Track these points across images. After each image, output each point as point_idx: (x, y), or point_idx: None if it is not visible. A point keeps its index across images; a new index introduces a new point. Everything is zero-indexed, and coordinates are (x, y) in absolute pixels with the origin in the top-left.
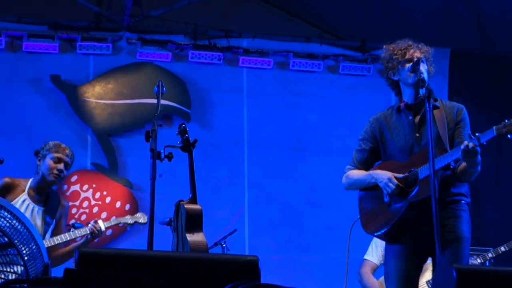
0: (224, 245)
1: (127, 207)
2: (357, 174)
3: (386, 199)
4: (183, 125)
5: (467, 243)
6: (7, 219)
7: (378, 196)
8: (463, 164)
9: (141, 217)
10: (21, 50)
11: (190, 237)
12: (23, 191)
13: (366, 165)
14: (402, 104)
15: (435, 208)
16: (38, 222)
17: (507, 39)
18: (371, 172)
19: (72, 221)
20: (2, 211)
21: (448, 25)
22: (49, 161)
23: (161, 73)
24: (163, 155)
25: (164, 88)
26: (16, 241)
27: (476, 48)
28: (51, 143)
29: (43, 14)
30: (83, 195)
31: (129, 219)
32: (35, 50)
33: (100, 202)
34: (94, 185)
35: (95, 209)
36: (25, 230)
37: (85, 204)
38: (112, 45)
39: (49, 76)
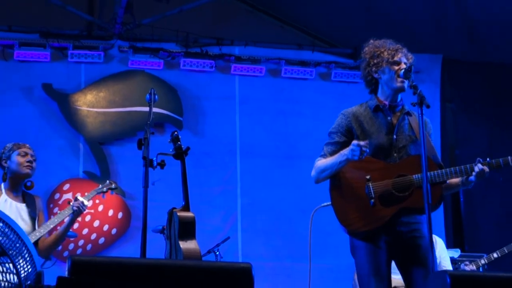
0: (217, 253)
1: (120, 215)
2: (325, 160)
3: (371, 202)
4: (175, 132)
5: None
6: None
7: (359, 193)
8: (457, 181)
9: (112, 183)
10: (12, 58)
11: (183, 245)
12: (1, 193)
13: None
14: (382, 104)
15: (428, 216)
16: (26, 218)
17: (499, 46)
18: (340, 152)
19: None
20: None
21: (440, 32)
22: (16, 157)
23: (153, 81)
24: (155, 163)
25: (156, 96)
26: (8, 249)
27: (468, 55)
28: (8, 145)
29: (35, 23)
30: None
31: (102, 188)
32: (27, 58)
33: (92, 211)
34: (86, 194)
35: (88, 217)
36: (16, 238)
37: None
38: (103, 53)
39: (41, 84)
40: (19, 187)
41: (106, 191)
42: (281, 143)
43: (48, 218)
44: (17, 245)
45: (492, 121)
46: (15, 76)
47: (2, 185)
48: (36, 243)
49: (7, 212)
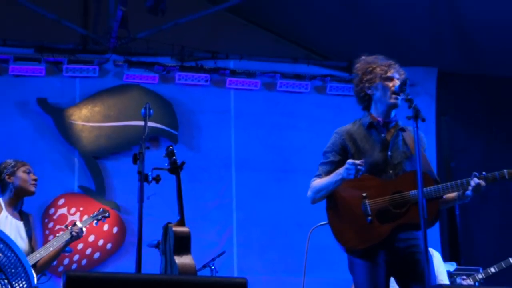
0: (212, 267)
1: (115, 229)
2: (320, 181)
3: (368, 220)
4: (171, 147)
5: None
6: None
7: (355, 210)
8: (453, 195)
9: (107, 212)
10: (7, 73)
11: (179, 260)
12: (2, 208)
13: None
14: (376, 121)
15: (423, 232)
16: (24, 236)
17: (493, 58)
18: (336, 171)
19: None
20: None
21: (435, 46)
22: (22, 175)
23: (148, 95)
24: (150, 177)
25: (151, 110)
26: (3, 266)
27: (463, 68)
28: (9, 161)
29: (29, 37)
30: (70, 218)
31: (98, 215)
32: (21, 73)
33: (87, 225)
34: (81, 208)
35: None
36: (12, 254)
37: None
38: (98, 68)
39: (36, 99)
40: (19, 204)
41: (101, 219)
42: (276, 157)
43: (43, 232)
44: (12, 261)
45: (488, 133)
46: (10, 90)
47: (1, 200)
48: (34, 265)
49: (7, 230)
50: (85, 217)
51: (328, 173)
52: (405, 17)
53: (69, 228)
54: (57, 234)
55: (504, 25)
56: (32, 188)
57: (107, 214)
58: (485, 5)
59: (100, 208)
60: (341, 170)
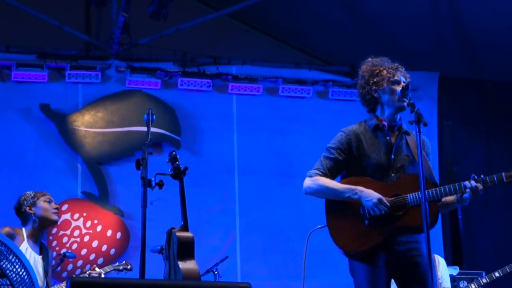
0: (216, 272)
1: (118, 235)
2: (331, 183)
3: (366, 222)
4: (174, 152)
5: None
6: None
7: (354, 213)
8: (452, 199)
9: (129, 265)
10: (10, 79)
11: (182, 265)
12: (23, 240)
13: (333, 175)
14: (381, 123)
15: (427, 234)
16: (40, 271)
17: (495, 63)
18: (353, 187)
19: (63, 250)
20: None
21: (437, 50)
22: (43, 204)
23: (150, 101)
24: (154, 183)
25: (153, 116)
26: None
27: (464, 73)
28: (28, 193)
29: (32, 43)
30: (74, 224)
31: (119, 266)
32: (24, 79)
33: (91, 231)
34: (85, 214)
35: (86, 238)
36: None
37: (76, 233)
38: (101, 74)
39: (39, 105)
40: (41, 235)
41: (122, 270)
42: (279, 162)
43: (47, 238)
44: (17, 267)
45: (489, 137)
46: (13, 97)
47: (24, 230)
48: None
49: None
50: (106, 267)
51: (331, 169)
52: (407, 22)
53: (87, 272)
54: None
55: (506, 30)
56: (55, 217)
57: (129, 267)
58: (487, 10)
59: (123, 261)
60: (367, 195)
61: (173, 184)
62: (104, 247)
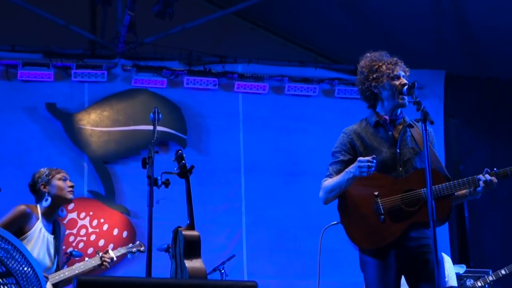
0: (222, 271)
1: (125, 234)
2: (331, 181)
3: (382, 219)
4: (180, 151)
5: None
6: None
7: (367, 210)
8: (464, 192)
9: (142, 246)
10: (16, 78)
11: (189, 264)
12: (38, 219)
13: None
14: (382, 119)
15: (433, 232)
16: (52, 251)
17: (500, 61)
18: (346, 170)
19: (70, 249)
20: (2, 243)
21: (442, 49)
22: (58, 182)
23: (156, 100)
24: (160, 181)
25: (160, 115)
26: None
27: (470, 71)
28: (43, 170)
29: (38, 42)
30: (80, 223)
31: (132, 248)
32: (30, 78)
33: (97, 230)
34: (91, 213)
35: (93, 237)
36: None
37: (83, 232)
38: (107, 72)
39: (45, 104)
40: (55, 214)
41: (135, 252)
42: (285, 160)
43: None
44: (23, 265)
45: (495, 135)
46: (19, 96)
47: (39, 207)
48: (56, 283)
49: (38, 244)
50: (120, 248)
51: (338, 172)
52: (413, 22)
53: (100, 254)
54: (86, 259)
55: (510, 28)
56: (70, 196)
57: (142, 248)
58: (491, 8)
59: (137, 241)
60: (352, 168)
61: (179, 182)
62: (111, 246)
